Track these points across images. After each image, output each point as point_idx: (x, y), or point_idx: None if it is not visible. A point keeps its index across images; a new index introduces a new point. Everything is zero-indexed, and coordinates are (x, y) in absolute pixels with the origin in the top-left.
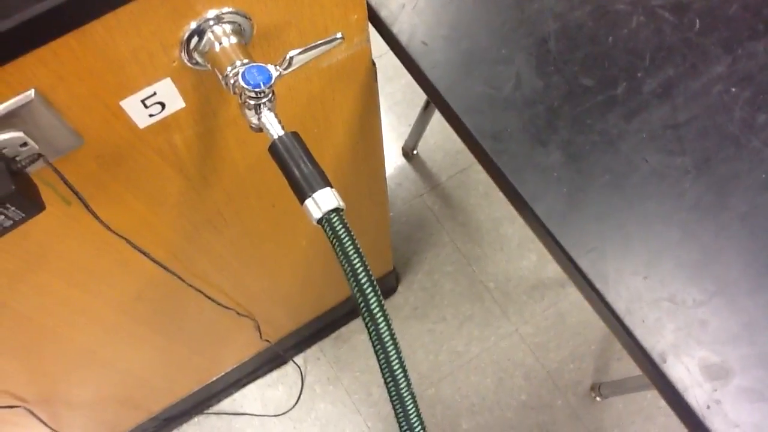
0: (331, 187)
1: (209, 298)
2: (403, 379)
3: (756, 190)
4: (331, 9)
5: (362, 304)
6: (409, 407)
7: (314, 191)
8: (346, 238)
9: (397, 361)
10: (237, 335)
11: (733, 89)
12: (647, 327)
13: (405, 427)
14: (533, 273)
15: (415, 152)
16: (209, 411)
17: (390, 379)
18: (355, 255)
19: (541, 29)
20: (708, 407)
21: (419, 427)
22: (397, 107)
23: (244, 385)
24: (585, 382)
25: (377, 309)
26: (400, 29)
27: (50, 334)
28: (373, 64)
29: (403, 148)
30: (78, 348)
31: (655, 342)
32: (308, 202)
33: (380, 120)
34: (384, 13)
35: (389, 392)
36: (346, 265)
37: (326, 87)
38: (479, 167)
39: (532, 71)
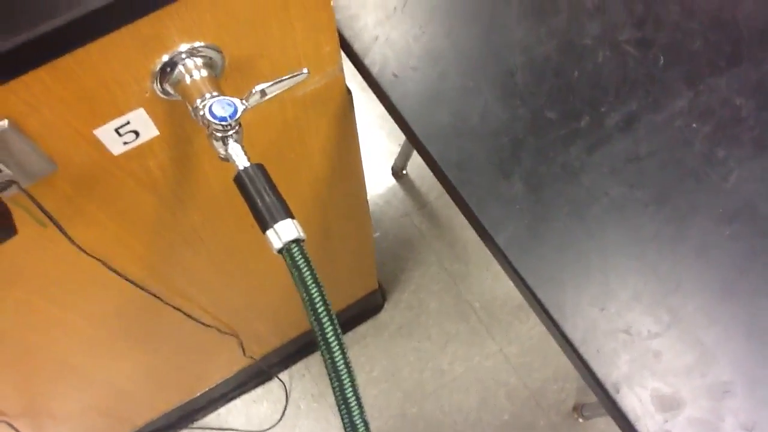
0: (293, 218)
1: (189, 316)
2: (356, 407)
3: (714, 223)
4: (303, 42)
5: (318, 333)
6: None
7: (276, 222)
8: (305, 268)
9: (351, 389)
10: (220, 352)
11: (694, 124)
12: (602, 357)
13: None
14: (518, 293)
15: (404, 172)
16: (194, 426)
17: (344, 407)
18: (313, 285)
19: (509, 62)
20: None
21: None
22: (387, 126)
23: (229, 400)
24: (568, 403)
25: (333, 338)
26: (372, 61)
27: (30, 348)
28: (349, 92)
29: (392, 168)
30: (58, 362)
31: (609, 372)
32: (269, 232)
33: (358, 144)
34: (357, 46)
35: (342, 420)
36: (305, 294)
37: (300, 114)
38: None
39: (498, 103)
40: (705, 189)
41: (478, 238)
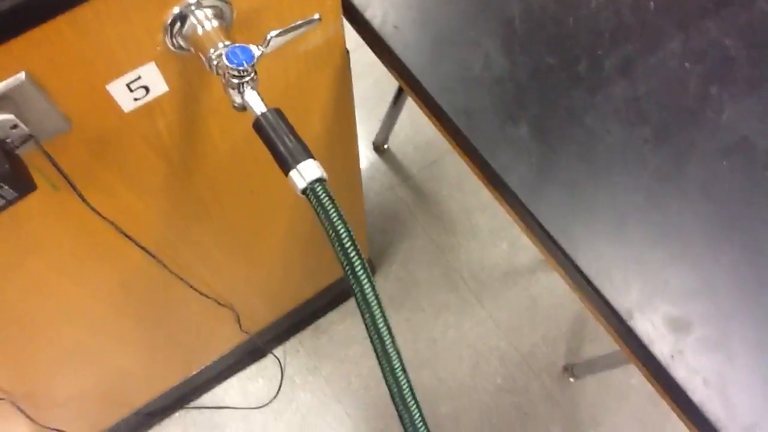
0: (314, 158)
1: (191, 286)
2: (387, 335)
3: (711, 156)
4: None
5: (348, 269)
6: (394, 361)
7: (298, 162)
8: (330, 206)
9: (381, 320)
10: (217, 326)
11: (687, 64)
12: (615, 287)
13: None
14: (505, 260)
15: (386, 146)
16: (190, 405)
17: (376, 337)
18: (339, 221)
19: (507, 11)
20: (672, 357)
21: (401, 372)
22: (368, 103)
23: (224, 379)
24: (558, 364)
25: (362, 272)
26: (373, 14)
27: (37, 324)
28: (347, 52)
29: (374, 143)
30: (64, 339)
31: (622, 300)
32: (293, 173)
33: (353, 107)
34: (357, 0)
35: (375, 350)
36: (331, 231)
37: (303, 73)
38: (450, 159)
39: (500, 51)
40: (701, 125)
41: (464, 209)
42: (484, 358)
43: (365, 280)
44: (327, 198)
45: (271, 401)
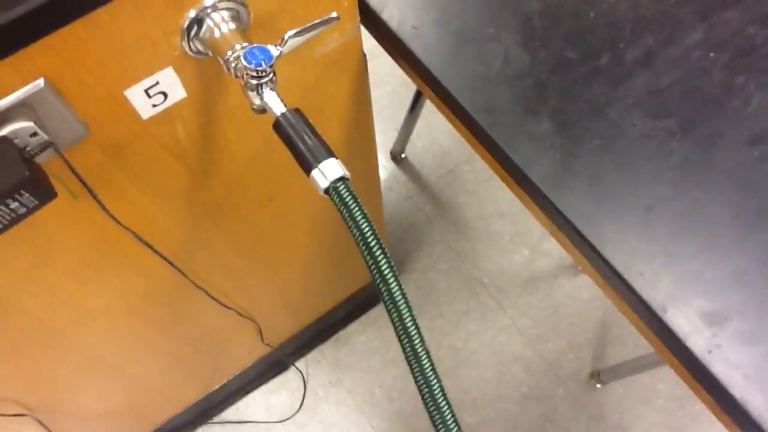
0: (336, 157)
1: (212, 297)
2: (416, 334)
3: (739, 146)
4: None
5: (373, 268)
6: (424, 361)
7: (320, 162)
8: (354, 204)
9: (409, 317)
10: (239, 338)
11: (711, 54)
12: (646, 280)
13: (420, 380)
14: (526, 267)
15: (403, 155)
16: (212, 421)
17: (404, 335)
18: (364, 220)
19: (526, 8)
20: (709, 352)
21: (431, 372)
22: (384, 112)
23: (247, 393)
24: (584, 370)
25: (388, 271)
26: (390, 15)
27: (60, 336)
28: (365, 56)
29: (391, 152)
30: (87, 352)
31: (654, 294)
32: (315, 172)
33: (372, 112)
34: (373, 1)
35: (403, 348)
36: (355, 230)
37: (321, 77)
38: (467, 167)
39: (519, 47)
40: (728, 115)
41: (482, 216)
42: (507, 367)
43: (392, 279)
44: (350, 197)
45: (294, 414)
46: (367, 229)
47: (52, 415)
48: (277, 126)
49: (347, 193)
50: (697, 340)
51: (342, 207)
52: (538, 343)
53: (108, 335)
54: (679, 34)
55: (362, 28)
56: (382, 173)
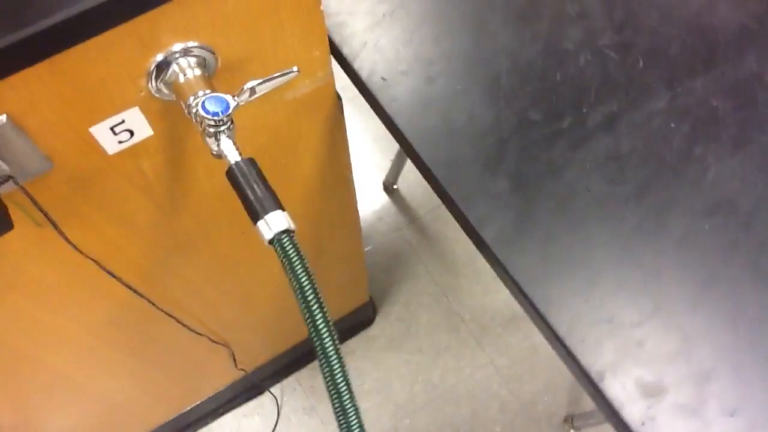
0: (283, 209)
1: (182, 323)
2: (345, 391)
3: (692, 215)
4: (293, 45)
5: (309, 320)
6: (351, 419)
7: (267, 213)
8: (295, 258)
9: (340, 373)
10: (212, 363)
11: (673, 124)
12: (586, 347)
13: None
14: (508, 306)
15: (395, 187)
16: None
17: (333, 390)
18: (303, 273)
19: (494, 66)
20: (643, 424)
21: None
22: (380, 142)
23: (220, 415)
24: (559, 414)
25: (323, 325)
26: (361, 65)
27: (25, 357)
28: (339, 98)
29: (384, 183)
30: (52, 372)
31: (593, 361)
32: (260, 223)
33: (348, 152)
34: (346, 51)
35: (331, 399)
36: (295, 282)
37: (292, 118)
38: None
39: (485, 105)
40: (684, 184)
41: (468, 252)
42: (483, 405)
43: (325, 334)
44: (293, 250)
45: None
46: (306, 282)
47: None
48: (230, 174)
49: (290, 246)
50: (632, 411)
51: (284, 259)
52: (514, 383)
53: (75, 357)
54: (643, 101)
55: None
56: (373, 203)
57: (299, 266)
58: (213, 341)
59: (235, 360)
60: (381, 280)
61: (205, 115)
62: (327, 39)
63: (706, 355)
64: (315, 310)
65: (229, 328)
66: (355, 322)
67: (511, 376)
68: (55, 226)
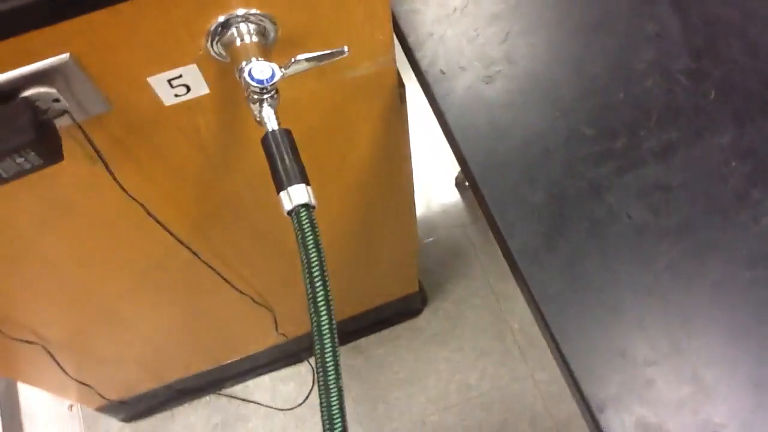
0: (308, 184)
1: (225, 280)
2: (333, 374)
3: (733, 262)
4: (356, 26)
5: (310, 295)
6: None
7: (291, 185)
8: (309, 232)
9: (331, 356)
10: (254, 323)
11: (733, 162)
12: (593, 375)
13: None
14: None
15: (467, 183)
16: (221, 392)
17: (321, 370)
18: (314, 249)
19: (557, 75)
20: None
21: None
22: None
23: (259, 375)
24: None
25: (322, 302)
26: (423, 55)
27: (74, 281)
28: (402, 86)
29: (456, 178)
30: (101, 302)
31: (597, 391)
32: (283, 194)
33: (408, 142)
34: (411, 39)
35: (318, 383)
36: (304, 257)
37: (349, 98)
38: None
39: (538, 112)
40: (732, 228)
41: None
42: (515, 415)
43: (324, 312)
44: (308, 224)
45: (296, 406)
46: (314, 259)
47: (62, 349)
48: (264, 141)
49: (306, 221)
50: None
51: (298, 232)
52: (551, 401)
53: (120, 292)
54: (706, 134)
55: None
56: (442, 197)
57: (311, 241)
58: (255, 302)
59: (276, 324)
60: (436, 274)
61: (251, 82)
62: (391, 24)
63: (717, 410)
64: (318, 287)
65: (273, 293)
66: (401, 310)
67: (549, 393)
68: (106, 165)
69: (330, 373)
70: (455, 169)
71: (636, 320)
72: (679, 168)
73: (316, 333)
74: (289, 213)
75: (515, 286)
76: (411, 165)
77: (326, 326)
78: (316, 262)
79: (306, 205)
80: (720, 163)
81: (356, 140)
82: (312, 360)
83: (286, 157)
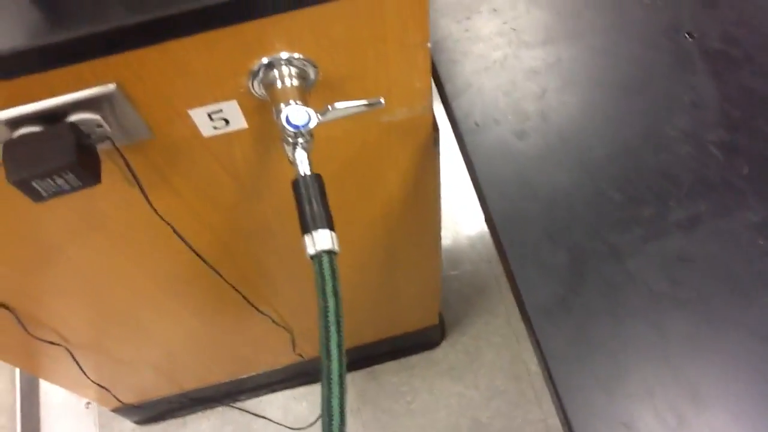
0: (332, 230)
1: (246, 300)
2: (337, 414)
3: (756, 344)
4: (395, 74)
5: (323, 340)
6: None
7: (315, 229)
8: (329, 279)
9: (338, 401)
10: (272, 342)
11: (761, 241)
12: None
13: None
14: None
15: None
16: (234, 404)
17: (326, 416)
18: (332, 296)
19: (588, 136)
20: None
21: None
22: None
23: (272, 390)
24: None
25: (335, 350)
26: (459, 105)
27: (99, 289)
28: (436, 129)
29: None
30: (122, 310)
31: None
32: (307, 237)
33: (438, 181)
34: (449, 88)
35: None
36: (321, 302)
37: (383, 139)
38: None
39: (567, 171)
40: (753, 307)
41: None
42: None
43: (335, 359)
44: (329, 271)
45: (307, 427)
46: (331, 306)
47: (82, 350)
48: (295, 184)
49: (328, 267)
50: None
51: (318, 277)
52: None
53: (142, 301)
54: (735, 209)
55: None
56: (471, 230)
57: (330, 288)
58: (274, 322)
59: (294, 344)
60: (457, 307)
61: (286, 126)
62: (430, 74)
63: None
64: (331, 333)
65: (293, 314)
66: (419, 341)
67: None
68: (142, 189)
69: (334, 420)
70: None
71: (645, 390)
72: (705, 242)
73: (324, 378)
74: (311, 257)
75: None
76: (439, 203)
77: (336, 373)
78: (333, 309)
79: (329, 252)
80: (747, 241)
81: (386, 179)
82: None
83: (314, 201)
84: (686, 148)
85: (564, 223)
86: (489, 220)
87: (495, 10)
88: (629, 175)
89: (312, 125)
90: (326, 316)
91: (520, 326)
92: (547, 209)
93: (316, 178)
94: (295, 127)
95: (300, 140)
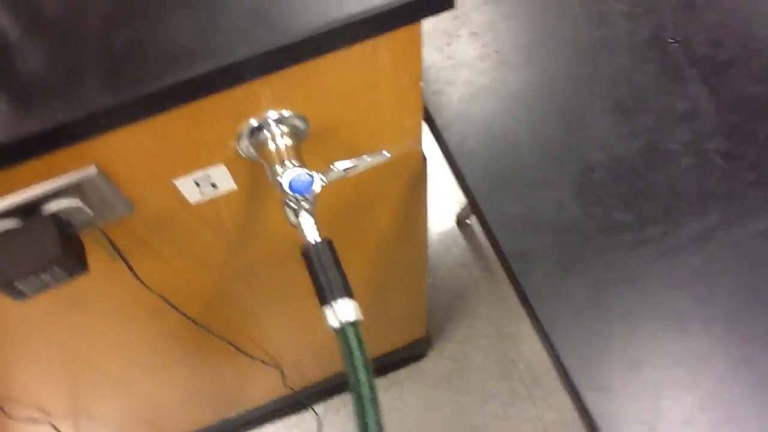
0: (352, 297)
1: (238, 349)
2: None
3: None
4: (386, 115)
5: (358, 415)
6: None
7: (335, 299)
8: (358, 351)
9: None
10: (262, 381)
11: None
12: None
13: None
14: None
15: (468, 221)
16: None
17: None
18: (363, 369)
19: (588, 157)
20: None
21: None
22: None
23: (262, 424)
24: None
25: (374, 427)
26: (451, 136)
27: (79, 358)
28: (424, 159)
29: (457, 215)
30: (104, 373)
31: None
32: (327, 309)
33: (425, 207)
34: (439, 121)
35: None
36: (353, 376)
37: (372, 179)
38: None
39: (572, 198)
40: None
41: None
42: None
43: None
44: (356, 343)
45: None
46: (364, 379)
47: (68, 418)
48: (305, 253)
49: (354, 339)
50: None
51: (346, 350)
52: None
53: (127, 363)
54: (745, 218)
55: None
56: (443, 235)
57: (360, 360)
58: (265, 363)
59: (284, 379)
60: (439, 315)
61: (288, 191)
62: (421, 112)
63: None
64: (367, 411)
65: (282, 350)
66: (407, 355)
67: None
68: (127, 263)
69: None
70: (457, 206)
71: (682, 416)
72: (718, 255)
73: None
74: (335, 330)
75: (520, 324)
76: (426, 228)
77: None
78: (366, 383)
79: (353, 323)
80: (762, 249)
81: (377, 210)
82: (318, 407)
83: (328, 270)
84: (688, 160)
85: (577, 251)
86: (501, 256)
87: (475, 33)
88: (635, 194)
89: (316, 189)
90: (359, 392)
91: (504, 325)
92: (559, 239)
93: (328, 243)
94: (299, 191)
95: (304, 204)
